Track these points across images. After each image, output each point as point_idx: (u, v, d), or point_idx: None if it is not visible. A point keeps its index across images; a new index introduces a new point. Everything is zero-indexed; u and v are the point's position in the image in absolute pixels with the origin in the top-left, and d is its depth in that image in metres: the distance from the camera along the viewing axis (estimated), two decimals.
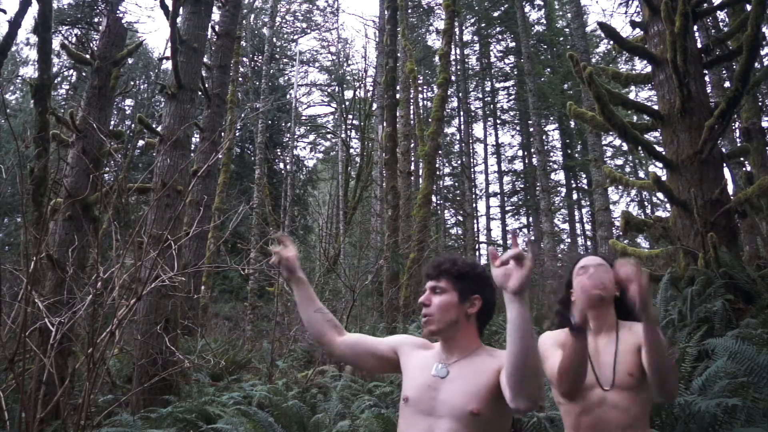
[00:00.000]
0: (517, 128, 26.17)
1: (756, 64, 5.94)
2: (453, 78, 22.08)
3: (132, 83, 21.02)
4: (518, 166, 26.01)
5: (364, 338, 1.72)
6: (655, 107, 5.59)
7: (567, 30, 23.46)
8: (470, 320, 1.56)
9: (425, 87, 24.85)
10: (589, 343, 1.72)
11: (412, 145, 14.74)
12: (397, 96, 12.73)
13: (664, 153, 5.34)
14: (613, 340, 1.78)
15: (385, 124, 12.31)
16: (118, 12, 18.40)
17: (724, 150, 5.96)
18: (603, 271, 1.80)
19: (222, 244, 13.79)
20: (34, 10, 6.12)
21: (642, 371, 1.68)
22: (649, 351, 1.58)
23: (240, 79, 19.79)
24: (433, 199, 18.45)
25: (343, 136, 23.63)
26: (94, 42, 10.82)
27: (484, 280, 1.58)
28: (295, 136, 25.07)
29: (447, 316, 1.53)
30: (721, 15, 9.77)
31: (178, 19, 6.88)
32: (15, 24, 5.47)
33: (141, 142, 13.82)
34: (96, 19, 19.03)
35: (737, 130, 9.72)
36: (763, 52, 9.86)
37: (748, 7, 4.98)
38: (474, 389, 1.43)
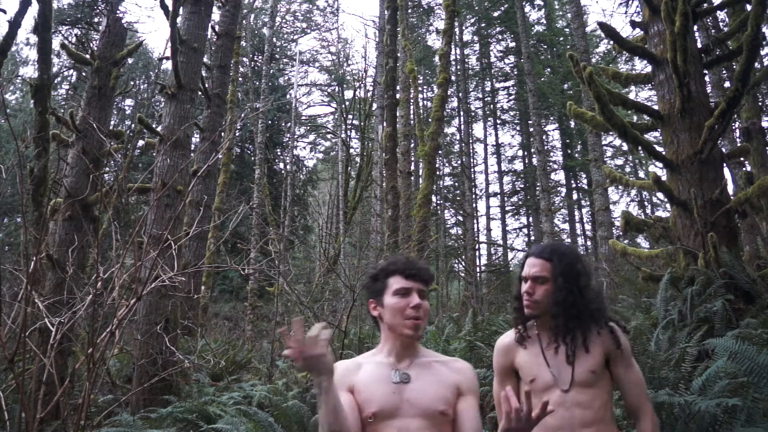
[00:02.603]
0: (517, 128, 26.17)
1: (756, 64, 5.94)
2: (453, 78, 22.08)
3: (132, 83, 21.02)
4: (518, 166, 26.03)
5: (346, 409, 1.45)
6: (655, 107, 5.58)
7: (567, 30, 23.45)
8: None
9: (425, 87, 24.85)
10: (544, 344, 1.80)
11: (412, 145, 14.74)
12: (397, 96, 12.73)
13: (664, 153, 5.33)
14: (560, 340, 1.79)
15: (385, 124, 12.30)
16: (118, 12, 18.40)
17: (724, 150, 5.96)
18: (538, 283, 1.80)
19: (222, 244, 13.79)
20: (34, 10, 6.13)
21: (602, 367, 1.73)
22: None
23: (240, 79, 19.80)
24: (433, 199, 18.46)
25: (343, 136, 23.63)
26: (94, 42, 10.82)
27: None
28: (295, 136, 25.09)
29: (425, 322, 1.58)
30: (721, 15, 9.77)
31: (178, 19, 6.88)
32: (15, 24, 5.47)
33: (141, 142, 13.81)
34: (96, 19, 19.03)
35: (737, 130, 9.72)
36: (763, 52, 9.87)
37: (748, 7, 4.98)
38: (440, 392, 1.49)
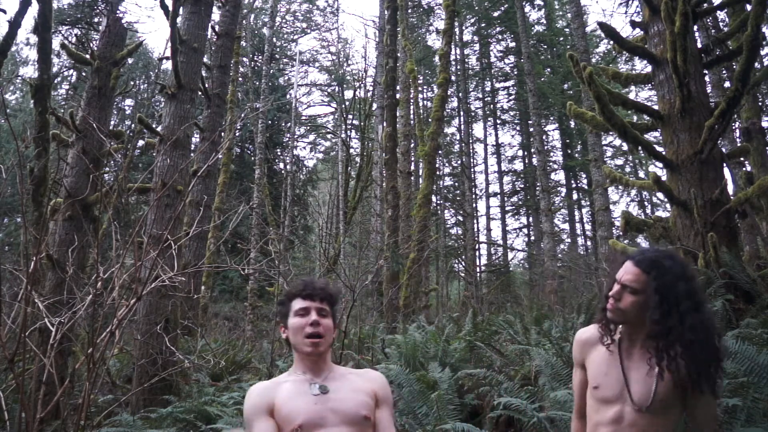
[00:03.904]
0: (517, 128, 26.16)
1: (756, 64, 5.94)
2: (453, 78, 22.08)
3: (132, 83, 21.02)
4: (518, 166, 26.02)
5: None
6: (655, 107, 5.58)
7: (567, 30, 23.44)
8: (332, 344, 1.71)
9: (425, 87, 24.84)
10: (624, 354, 1.68)
11: (412, 145, 14.73)
12: (397, 96, 12.73)
13: (664, 153, 5.33)
14: (649, 358, 1.64)
15: (385, 124, 12.30)
16: (118, 12, 18.40)
17: (724, 150, 5.96)
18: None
19: (222, 244, 13.79)
20: (34, 10, 6.13)
21: (673, 398, 1.60)
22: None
23: (240, 79, 19.79)
24: (433, 199, 18.46)
25: (343, 136, 23.63)
26: (94, 42, 10.82)
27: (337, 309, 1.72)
28: (295, 136, 25.09)
29: (330, 339, 1.65)
30: (721, 15, 9.77)
31: (178, 19, 6.88)
32: (15, 24, 5.47)
33: (141, 142, 13.81)
34: (96, 19, 19.03)
35: (737, 130, 9.72)
36: (763, 52, 9.86)
37: (748, 7, 4.98)
38: (360, 398, 1.57)
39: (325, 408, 1.53)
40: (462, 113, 24.21)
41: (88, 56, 6.58)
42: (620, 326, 1.72)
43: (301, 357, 1.64)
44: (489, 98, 26.50)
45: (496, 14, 24.24)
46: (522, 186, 25.44)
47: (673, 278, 1.60)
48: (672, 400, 1.60)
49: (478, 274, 19.70)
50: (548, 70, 23.72)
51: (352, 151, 23.52)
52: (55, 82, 20.04)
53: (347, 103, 25.37)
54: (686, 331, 1.56)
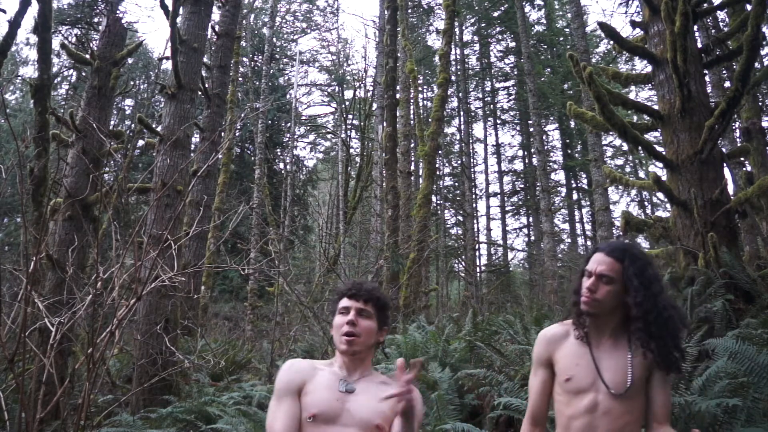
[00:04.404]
0: (517, 128, 26.16)
1: (756, 64, 5.94)
2: (453, 78, 22.07)
3: (132, 83, 21.01)
4: (518, 166, 26.02)
5: (284, 419, 1.59)
6: (655, 107, 5.58)
7: (567, 30, 23.44)
8: (376, 347, 1.73)
9: (425, 87, 24.85)
10: (594, 345, 1.73)
11: (412, 145, 14.73)
12: (397, 96, 12.72)
13: (664, 153, 5.33)
14: (622, 344, 1.71)
15: (385, 124, 12.30)
16: (118, 12, 18.41)
17: (724, 150, 5.95)
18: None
19: (222, 244, 13.79)
20: (34, 10, 6.13)
21: (643, 381, 1.66)
22: None
23: (240, 79, 19.78)
24: (433, 199, 18.45)
25: (343, 136, 23.63)
26: (94, 42, 10.82)
27: (389, 315, 1.75)
28: (295, 136, 25.09)
29: (368, 341, 1.67)
30: (721, 15, 9.77)
31: (178, 19, 6.88)
32: (15, 24, 5.47)
33: (141, 142, 13.82)
34: (96, 19, 19.03)
35: (737, 130, 9.72)
36: (763, 52, 9.86)
37: (748, 7, 4.98)
38: (380, 407, 1.56)
39: (343, 407, 1.57)
40: (462, 113, 24.21)
41: (88, 56, 6.58)
42: (587, 320, 1.77)
43: (339, 353, 1.69)
44: (489, 98, 26.50)
45: (496, 14, 24.23)
46: (522, 186, 25.44)
47: (643, 264, 1.70)
48: (642, 384, 1.67)
49: (478, 274, 19.70)
50: (548, 70, 23.72)
51: (352, 151, 23.52)
52: (55, 82, 20.04)
53: (347, 103, 25.37)
54: (661, 312, 1.66)
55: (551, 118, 24.65)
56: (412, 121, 14.29)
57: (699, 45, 5.79)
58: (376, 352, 1.76)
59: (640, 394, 1.67)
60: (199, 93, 8.16)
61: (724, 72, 9.88)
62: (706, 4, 5.98)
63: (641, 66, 16.20)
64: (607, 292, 1.69)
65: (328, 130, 28.55)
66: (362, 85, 24.52)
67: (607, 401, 1.65)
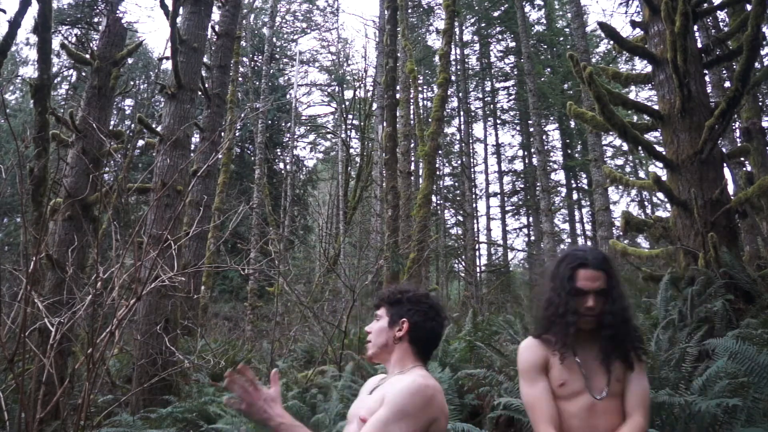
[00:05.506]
0: (517, 128, 26.15)
1: (756, 64, 5.94)
2: (453, 78, 22.07)
3: (132, 83, 21.02)
4: (518, 166, 26.00)
5: None
6: (655, 107, 5.59)
7: (567, 30, 23.44)
8: (402, 342, 1.66)
9: (425, 87, 24.84)
10: (577, 352, 1.75)
11: (412, 145, 14.73)
12: (397, 96, 12.72)
13: (664, 153, 5.33)
14: (597, 348, 1.73)
15: (385, 124, 12.30)
16: (118, 12, 18.41)
17: (724, 150, 5.96)
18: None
19: (222, 244, 13.79)
20: (34, 10, 6.13)
21: (620, 380, 1.72)
22: None
23: (240, 79, 19.78)
24: (433, 199, 18.46)
25: (343, 136, 23.63)
26: (94, 42, 10.82)
27: (412, 304, 1.68)
28: (295, 136, 25.08)
29: (379, 340, 1.69)
30: (721, 15, 9.77)
31: (178, 19, 6.88)
32: (15, 24, 5.47)
33: (141, 142, 13.82)
34: (96, 19, 19.03)
35: (737, 130, 9.72)
36: (763, 52, 9.86)
37: (748, 7, 4.98)
38: (369, 403, 1.56)
39: (355, 407, 1.66)
40: (462, 113, 24.21)
41: (88, 56, 6.58)
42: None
43: None
44: (489, 98, 26.49)
45: (496, 14, 24.23)
46: (522, 186, 25.43)
47: (616, 268, 1.76)
48: (622, 382, 1.70)
49: (478, 274, 19.69)
50: (548, 70, 23.72)
51: (352, 151, 23.52)
52: (55, 82, 20.04)
53: (347, 103, 25.36)
54: (627, 310, 1.72)
55: (551, 118, 24.65)
56: (412, 121, 14.29)
57: (699, 45, 5.79)
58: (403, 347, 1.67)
59: (620, 393, 1.71)
60: (199, 93, 8.16)
61: (724, 72, 9.88)
62: (706, 4, 5.99)
63: (641, 66, 16.21)
64: (602, 304, 1.70)
65: (328, 130, 28.56)
66: (362, 85, 24.54)
67: (604, 401, 1.67)
